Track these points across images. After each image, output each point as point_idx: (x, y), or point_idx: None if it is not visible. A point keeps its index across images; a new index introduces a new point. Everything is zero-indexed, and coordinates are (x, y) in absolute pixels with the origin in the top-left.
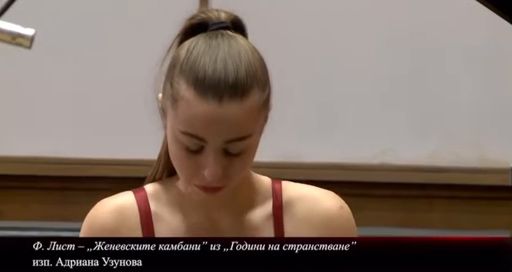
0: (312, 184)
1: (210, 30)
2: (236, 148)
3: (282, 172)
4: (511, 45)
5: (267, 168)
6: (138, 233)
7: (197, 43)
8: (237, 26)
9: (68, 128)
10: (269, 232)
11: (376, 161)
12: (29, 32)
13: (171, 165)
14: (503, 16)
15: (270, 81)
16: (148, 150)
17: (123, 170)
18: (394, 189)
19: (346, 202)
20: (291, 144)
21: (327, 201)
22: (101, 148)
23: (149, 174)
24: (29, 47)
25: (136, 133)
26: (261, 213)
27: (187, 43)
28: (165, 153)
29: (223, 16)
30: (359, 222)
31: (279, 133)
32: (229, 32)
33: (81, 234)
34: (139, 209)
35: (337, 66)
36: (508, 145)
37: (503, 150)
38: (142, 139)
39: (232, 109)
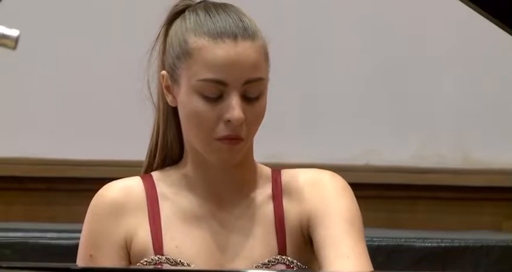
0: None
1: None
2: (253, 91)
3: None
4: (492, 44)
5: None
6: (144, 211)
7: (194, 11)
8: None
9: (52, 129)
10: (269, 212)
11: (360, 162)
12: (13, 32)
13: (168, 153)
14: (505, 28)
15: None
16: (132, 151)
17: (106, 171)
18: (378, 189)
19: None
20: (274, 145)
21: (321, 171)
22: (84, 149)
23: (145, 164)
24: (14, 48)
25: (121, 134)
26: (261, 194)
27: (180, 18)
28: (161, 141)
29: None
30: None
31: (262, 134)
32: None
33: (90, 210)
34: (146, 189)
35: (320, 67)
36: (491, 146)
37: (486, 151)
38: (126, 141)
39: (246, 48)
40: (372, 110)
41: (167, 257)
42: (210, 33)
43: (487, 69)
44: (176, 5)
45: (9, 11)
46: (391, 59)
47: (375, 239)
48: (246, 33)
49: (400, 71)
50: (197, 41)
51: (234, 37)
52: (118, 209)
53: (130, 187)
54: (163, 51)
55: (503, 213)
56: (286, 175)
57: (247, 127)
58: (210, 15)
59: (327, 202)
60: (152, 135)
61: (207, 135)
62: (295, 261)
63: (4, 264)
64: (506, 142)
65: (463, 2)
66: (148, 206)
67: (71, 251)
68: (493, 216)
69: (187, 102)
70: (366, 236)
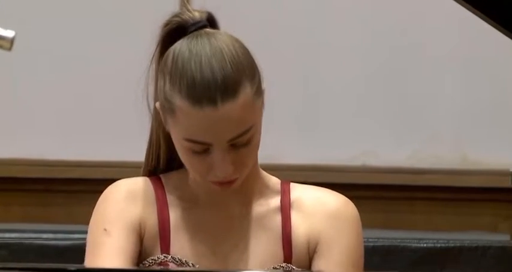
0: None
1: (190, 32)
2: (241, 141)
3: None
4: (490, 46)
5: None
6: (154, 207)
7: (180, 50)
8: (212, 22)
9: (50, 130)
10: (276, 222)
11: (357, 163)
12: (9, 33)
13: (174, 158)
14: (509, 35)
15: (258, 65)
16: (130, 152)
17: (104, 172)
18: (375, 190)
19: None
20: (270, 145)
21: (334, 197)
22: (82, 151)
23: (148, 168)
24: (9, 49)
25: (118, 135)
26: (269, 205)
27: (171, 51)
28: (164, 149)
29: (197, 15)
30: None
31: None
32: (208, 30)
33: (103, 197)
34: (155, 189)
35: (318, 67)
36: (489, 147)
37: (484, 152)
38: (123, 141)
39: (227, 109)
40: (369, 111)
41: (173, 256)
42: (189, 96)
43: (486, 70)
44: (167, 24)
45: (7, 12)
46: (389, 59)
47: (370, 239)
48: (226, 92)
49: (398, 72)
50: (179, 103)
51: (214, 102)
52: (132, 196)
53: (140, 183)
54: (157, 80)
55: (500, 214)
56: (296, 189)
57: (240, 167)
58: (192, 64)
59: (338, 238)
60: (151, 141)
61: (201, 177)
62: (299, 270)
63: (0, 265)
64: (504, 143)
65: (461, 4)
66: (157, 204)
67: (68, 251)
68: (491, 217)
69: (178, 148)
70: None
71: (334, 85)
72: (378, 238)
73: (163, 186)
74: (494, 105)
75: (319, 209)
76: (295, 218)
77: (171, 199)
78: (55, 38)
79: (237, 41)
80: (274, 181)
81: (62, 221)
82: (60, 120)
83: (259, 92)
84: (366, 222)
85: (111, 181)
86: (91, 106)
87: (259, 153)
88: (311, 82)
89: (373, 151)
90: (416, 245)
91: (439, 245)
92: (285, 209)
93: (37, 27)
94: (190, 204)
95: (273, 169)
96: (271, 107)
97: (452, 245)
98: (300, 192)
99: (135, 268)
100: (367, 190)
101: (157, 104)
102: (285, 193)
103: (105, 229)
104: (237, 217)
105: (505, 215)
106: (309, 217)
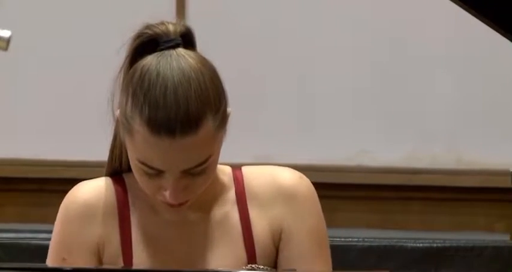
0: None
1: (160, 49)
2: (195, 170)
3: None
4: (486, 46)
5: None
6: (114, 218)
7: (148, 69)
8: (186, 38)
9: (44, 130)
10: (235, 220)
11: (352, 163)
12: (5, 33)
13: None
14: (503, 34)
15: (224, 91)
16: None
17: (98, 172)
18: (371, 190)
19: (322, 204)
20: (266, 146)
21: (285, 174)
22: (76, 150)
23: (110, 168)
24: (5, 49)
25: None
26: (225, 202)
27: (139, 67)
28: (126, 155)
29: (171, 30)
30: (335, 224)
31: (254, 135)
32: (180, 51)
33: (61, 211)
34: (117, 193)
35: (313, 68)
36: (485, 147)
37: (479, 152)
38: None
39: (186, 143)
40: (364, 111)
41: None
42: (149, 123)
43: (481, 69)
44: (138, 36)
45: (3, 12)
46: (384, 60)
47: (366, 239)
48: (187, 126)
49: (393, 72)
50: (138, 128)
51: (173, 134)
52: (90, 212)
53: (101, 188)
54: (123, 93)
55: (495, 214)
56: (247, 173)
57: (193, 192)
58: (157, 89)
59: (299, 220)
60: (114, 145)
61: (151, 194)
62: (266, 267)
63: None
64: (499, 143)
65: (457, 4)
66: (118, 213)
67: None
68: (486, 217)
69: (131, 164)
70: (358, 237)
71: (330, 85)
72: (374, 238)
73: (126, 188)
74: (489, 105)
75: (274, 193)
76: (253, 209)
77: (132, 201)
78: (50, 38)
79: (206, 65)
80: (227, 172)
81: None
82: (55, 120)
83: (222, 124)
84: (362, 222)
85: None
86: (86, 106)
87: (255, 153)
88: (307, 83)
89: (369, 151)
90: (412, 245)
91: (435, 245)
92: (241, 199)
93: (34, 28)
94: (152, 209)
95: None
96: (267, 108)
97: (448, 245)
98: (251, 176)
99: (132, 268)
100: (362, 190)
101: (117, 114)
102: (238, 182)
103: (64, 259)
104: (197, 224)
105: (500, 215)
106: (266, 204)
